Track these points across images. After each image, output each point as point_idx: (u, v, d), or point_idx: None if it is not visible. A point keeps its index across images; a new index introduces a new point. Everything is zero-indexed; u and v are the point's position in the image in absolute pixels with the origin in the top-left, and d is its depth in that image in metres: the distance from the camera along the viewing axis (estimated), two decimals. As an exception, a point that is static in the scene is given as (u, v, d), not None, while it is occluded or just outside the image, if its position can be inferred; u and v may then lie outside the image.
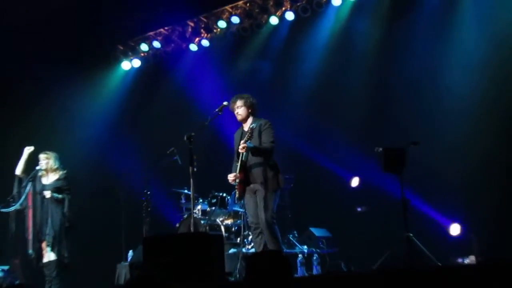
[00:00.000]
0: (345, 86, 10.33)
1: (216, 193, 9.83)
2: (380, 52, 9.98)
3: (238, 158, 7.06)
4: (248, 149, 6.87)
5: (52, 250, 8.33)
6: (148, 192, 10.33)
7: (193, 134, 7.11)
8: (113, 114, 11.81)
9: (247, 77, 10.92)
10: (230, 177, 7.22)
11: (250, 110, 7.25)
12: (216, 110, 7.32)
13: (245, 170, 7.01)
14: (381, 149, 7.52)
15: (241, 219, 9.31)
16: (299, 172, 9.82)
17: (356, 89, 10.20)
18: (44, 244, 8.40)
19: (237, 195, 7.29)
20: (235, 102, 7.28)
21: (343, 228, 9.89)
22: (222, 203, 9.74)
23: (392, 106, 9.83)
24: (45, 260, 8.37)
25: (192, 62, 11.64)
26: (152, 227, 10.20)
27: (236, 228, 9.79)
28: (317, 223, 10.09)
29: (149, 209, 10.20)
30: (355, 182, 10.14)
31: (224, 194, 9.84)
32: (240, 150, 6.86)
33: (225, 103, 7.35)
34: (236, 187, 7.26)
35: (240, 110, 7.25)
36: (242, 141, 6.86)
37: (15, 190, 8.50)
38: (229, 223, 9.86)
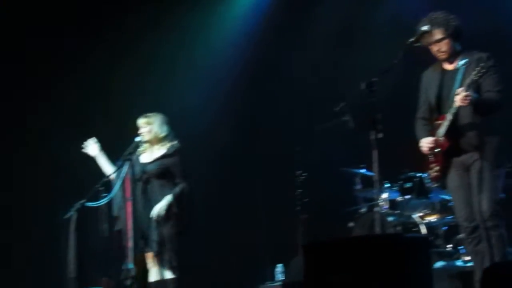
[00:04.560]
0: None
1: (411, 174, 8.58)
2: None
3: (435, 114, 6.13)
4: (471, 102, 5.71)
5: (162, 264, 7.16)
6: (303, 174, 8.96)
7: (375, 80, 5.95)
8: (251, 49, 10.17)
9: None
10: (426, 143, 6.12)
11: (455, 40, 5.98)
12: (412, 39, 6.01)
13: (452, 133, 5.94)
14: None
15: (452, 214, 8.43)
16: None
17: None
18: (149, 255, 7.23)
19: (432, 174, 6.25)
20: (429, 32, 5.97)
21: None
22: (421, 190, 8.50)
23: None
24: (151, 279, 7.25)
25: None
26: (311, 227, 8.96)
27: (446, 228, 8.49)
28: None
29: (305, 200, 8.93)
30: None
31: (424, 175, 8.54)
32: (460, 102, 5.73)
33: (425, 27, 5.95)
34: (431, 159, 6.18)
35: (442, 44, 5.99)
36: (460, 88, 5.75)
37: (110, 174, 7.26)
38: (434, 220, 8.56)
